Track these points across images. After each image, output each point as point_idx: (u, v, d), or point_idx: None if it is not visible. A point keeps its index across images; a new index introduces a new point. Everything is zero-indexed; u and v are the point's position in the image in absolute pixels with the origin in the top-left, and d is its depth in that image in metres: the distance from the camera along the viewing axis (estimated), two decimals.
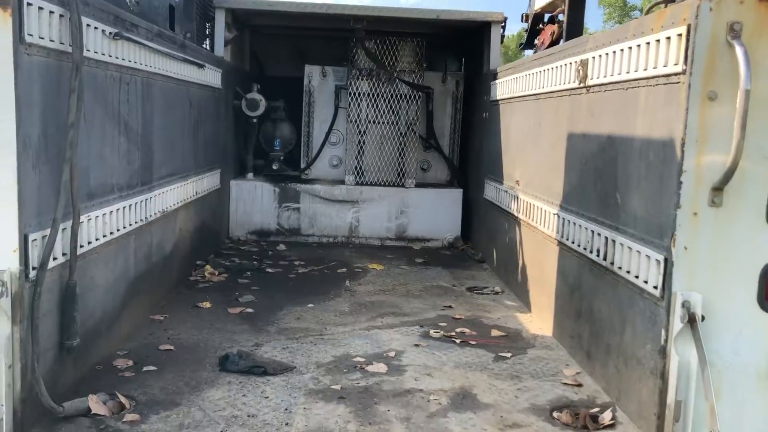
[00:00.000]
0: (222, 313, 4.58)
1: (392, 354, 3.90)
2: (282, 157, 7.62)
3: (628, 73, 3.32)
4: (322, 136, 7.49)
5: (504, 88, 5.95)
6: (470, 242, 7.26)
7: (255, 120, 7.26)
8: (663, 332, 2.83)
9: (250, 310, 4.67)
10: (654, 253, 2.93)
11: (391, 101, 7.35)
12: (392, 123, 7.37)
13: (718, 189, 2.75)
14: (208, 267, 5.64)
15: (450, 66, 8.12)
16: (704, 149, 2.75)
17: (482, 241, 6.77)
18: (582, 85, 3.94)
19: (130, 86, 3.91)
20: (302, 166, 7.58)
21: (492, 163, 6.37)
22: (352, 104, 7.35)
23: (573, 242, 3.98)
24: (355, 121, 7.36)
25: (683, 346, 2.77)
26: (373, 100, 7.34)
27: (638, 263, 3.09)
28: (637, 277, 3.10)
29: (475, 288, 5.58)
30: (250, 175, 7.43)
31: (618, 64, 3.43)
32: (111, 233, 3.67)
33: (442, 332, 4.32)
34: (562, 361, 3.89)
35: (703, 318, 2.75)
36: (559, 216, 4.27)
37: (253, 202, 7.20)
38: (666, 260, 2.83)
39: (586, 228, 3.77)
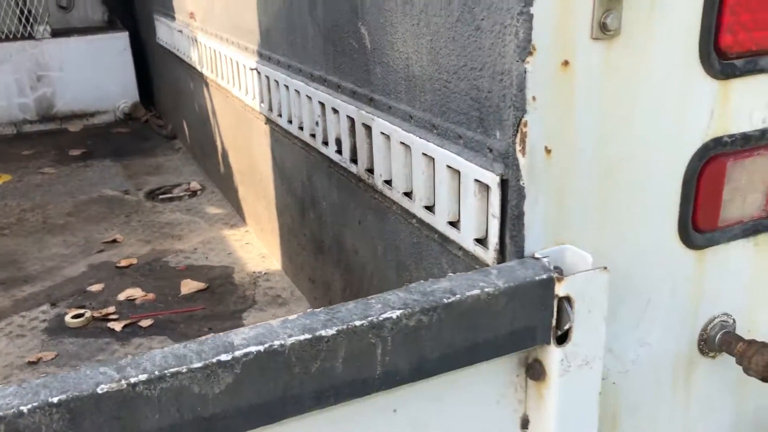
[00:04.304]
0: None
1: None
2: None
3: None
4: None
5: None
6: (155, 109, 5.13)
7: None
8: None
9: None
10: (467, 163, 1.26)
11: None
12: None
13: None
14: None
15: None
16: None
17: (169, 108, 4.69)
18: None
19: None
20: None
21: None
22: None
23: (290, 121, 2.19)
24: None
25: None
26: None
27: (428, 178, 1.42)
28: (430, 209, 1.44)
29: (160, 190, 3.63)
30: None
31: None
32: None
33: (89, 311, 2.41)
34: None
35: None
36: (259, 73, 2.40)
37: None
38: (503, 183, 1.18)
39: (309, 97, 1.97)
